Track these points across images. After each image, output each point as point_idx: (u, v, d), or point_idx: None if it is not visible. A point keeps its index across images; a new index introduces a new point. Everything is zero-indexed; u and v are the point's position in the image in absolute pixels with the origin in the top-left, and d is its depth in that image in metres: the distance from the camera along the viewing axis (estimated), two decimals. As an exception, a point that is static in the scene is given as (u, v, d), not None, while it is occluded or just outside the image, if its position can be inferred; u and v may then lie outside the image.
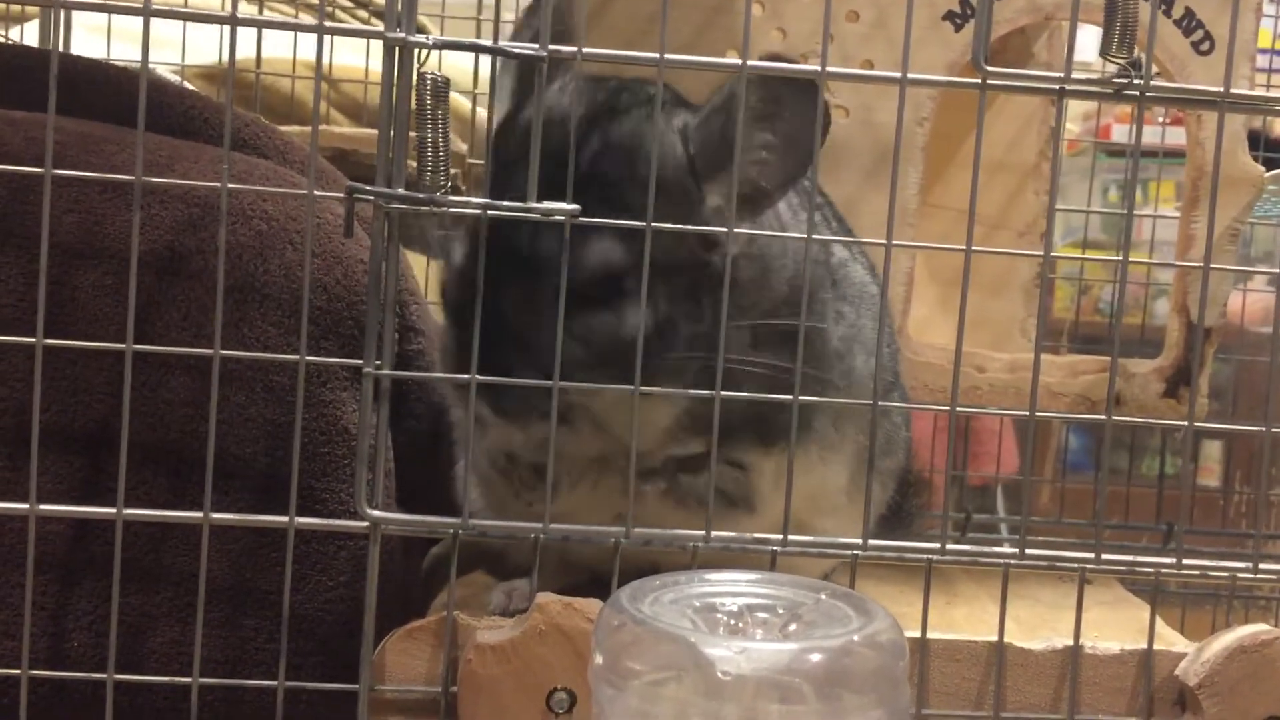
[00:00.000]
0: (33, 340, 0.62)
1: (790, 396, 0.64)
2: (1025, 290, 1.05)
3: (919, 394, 0.90)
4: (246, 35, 1.12)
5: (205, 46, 1.21)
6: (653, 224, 0.63)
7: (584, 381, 0.63)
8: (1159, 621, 0.71)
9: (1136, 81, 0.64)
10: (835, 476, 0.73)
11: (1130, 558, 0.70)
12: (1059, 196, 1.55)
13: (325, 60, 1.22)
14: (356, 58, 1.23)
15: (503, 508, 0.73)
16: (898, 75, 0.63)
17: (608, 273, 0.64)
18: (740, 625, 0.53)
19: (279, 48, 1.20)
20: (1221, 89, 0.66)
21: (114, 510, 0.63)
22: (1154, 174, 1.45)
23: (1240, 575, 0.68)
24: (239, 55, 1.20)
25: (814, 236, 0.65)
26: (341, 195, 0.62)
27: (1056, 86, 0.64)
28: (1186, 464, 0.67)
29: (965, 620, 0.76)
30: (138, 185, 0.62)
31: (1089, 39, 0.66)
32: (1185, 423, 0.69)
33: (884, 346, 0.68)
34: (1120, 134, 1.81)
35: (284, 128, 0.95)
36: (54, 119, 0.62)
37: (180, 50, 1.21)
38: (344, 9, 1.40)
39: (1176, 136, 1.07)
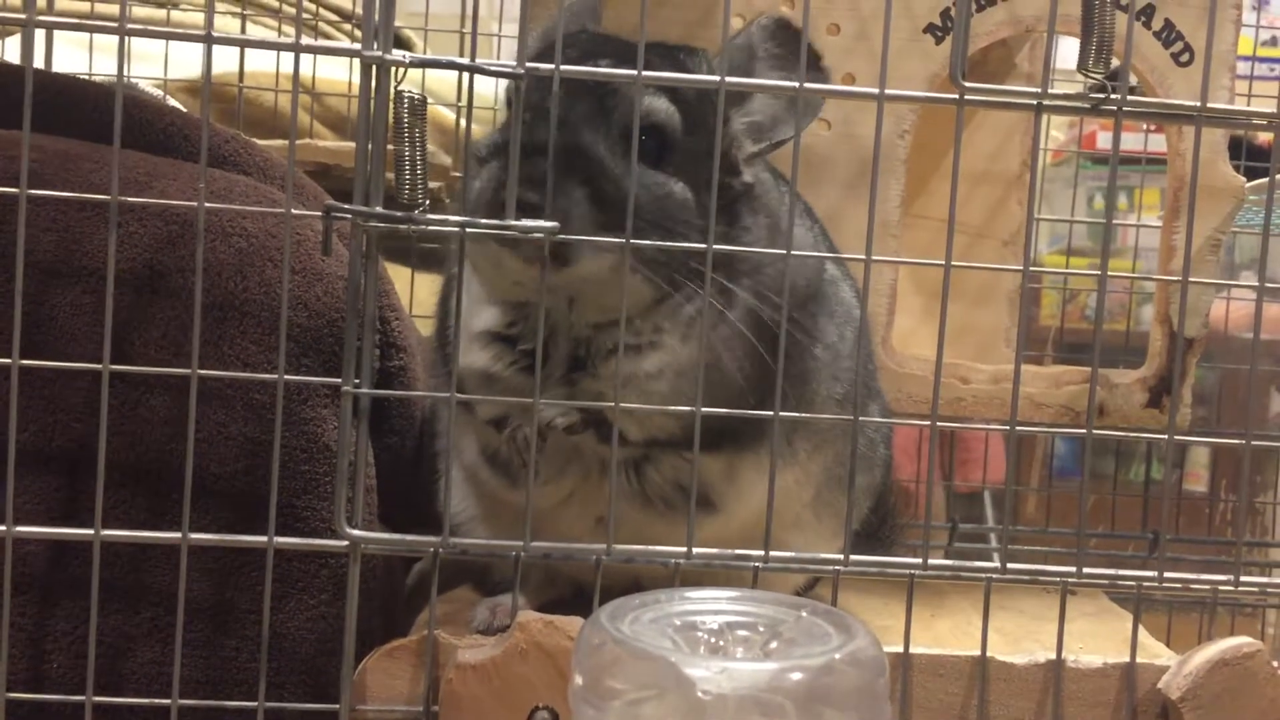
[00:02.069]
0: (8, 360, 0.62)
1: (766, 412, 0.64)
2: (1010, 300, 1.05)
3: (903, 405, 0.89)
4: (229, 49, 1.12)
5: (188, 60, 1.21)
6: (632, 242, 0.63)
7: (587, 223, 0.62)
8: (1143, 633, 0.71)
9: (1114, 96, 0.64)
10: (798, 490, 0.73)
11: (1112, 571, 0.70)
12: (1045, 204, 1.56)
13: (308, 74, 1.23)
14: (340, 71, 1.22)
15: (493, 506, 0.73)
16: (875, 91, 0.63)
17: (652, 123, 0.64)
18: (721, 644, 0.53)
19: (261, 61, 1.19)
20: (1199, 103, 0.66)
21: (91, 531, 0.63)
22: (1138, 181, 1.45)
23: (1222, 589, 0.68)
24: (222, 69, 1.21)
25: (794, 252, 0.65)
26: (319, 214, 0.62)
27: (1034, 102, 0.64)
28: (1168, 476, 0.67)
29: (950, 633, 0.76)
30: (113, 204, 0.62)
31: (1073, 49, 0.66)
32: (1166, 435, 0.69)
33: (863, 364, 0.68)
34: (1105, 141, 1.82)
35: (267, 141, 0.95)
36: (33, 137, 0.62)
37: (163, 64, 1.20)
38: (329, 23, 1.39)
39: (1160, 142, 1.07)
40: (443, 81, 1.14)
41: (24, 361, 0.62)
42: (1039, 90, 0.65)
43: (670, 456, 0.69)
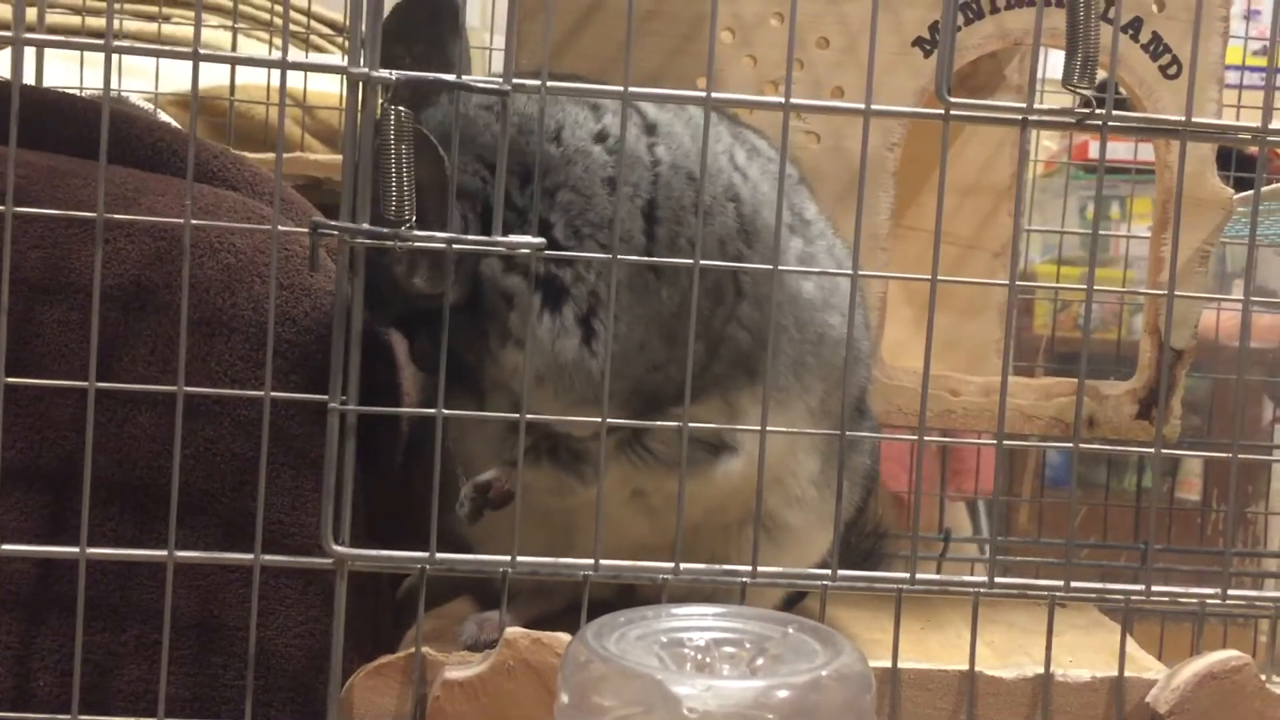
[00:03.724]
0: (-5, 379, 0.62)
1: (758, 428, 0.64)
2: (1000, 311, 1.05)
3: (894, 418, 0.90)
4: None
5: (179, 73, 1.21)
6: (617, 257, 0.63)
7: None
8: (1132, 645, 0.71)
9: (1099, 111, 0.64)
10: (805, 459, 0.73)
11: (1100, 585, 0.70)
12: (1036, 213, 1.56)
13: (300, 88, 1.23)
14: (331, 85, 1.22)
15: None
16: (861, 106, 0.64)
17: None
18: (707, 661, 0.53)
19: (252, 75, 1.19)
20: (1184, 117, 0.66)
21: (76, 549, 0.63)
22: (1129, 190, 1.46)
23: (1210, 601, 0.68)
24: (213, 82, 1.21)
25: (783, 268, 0.65)
26: (305, 230, 0.62)
27: (1020, 117, 0.64)
28: (1157, 489, 0.67)
29: (940, 647, 0.76)
30: (99, 221, 0.62)
31: (1063, 60, 0.66)
32: (1154, 447, 0.69)
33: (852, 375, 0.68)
34: (1097, 151, 1.82)
35: (258, 155, 0.95)
36: (20, 153, 0.62)
37: (153, 78, 1.20)
38: (322, 36, 1.39)
39: (1151, 151, 1.07)
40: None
41: (10, 379, 0.62)
42: (1025, 105, 0.65)
43: (659, 419, 0.67)
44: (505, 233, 0.62)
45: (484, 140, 0.65)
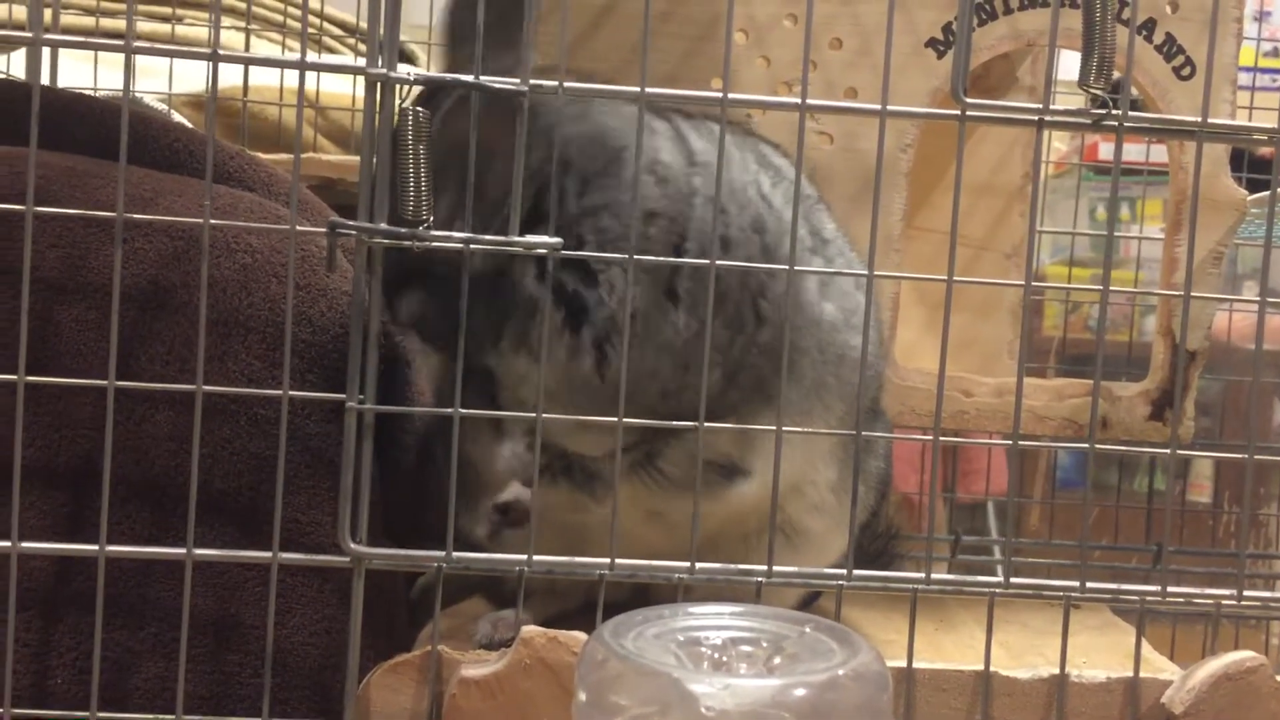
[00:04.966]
0: (14, 377, 0.62)
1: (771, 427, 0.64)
2: (1013, 312, 1.05)
3: (906, 419, 0.90)
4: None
5: (192, 74, 1.21)
6: (633, 258, 0.63)
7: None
8: (1147, 647, 0.71)
9: (1115, 112, 0.64)
10: (824, 468, 0.73)
11: (1115, 586, 0.70)
12: (1047, 215, 1.56)
13: (312, 88, 1.23)
14: (343, 85, 1.23)
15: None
16: (877, 107, 0.64)
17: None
18: (724, 659, 0.53)
19: (266, 75, 1.20)
20: (1200, 117, 0.66)
21: (96, 547, 0.63)
22: (1140, 191, 1.45)
23: (1225, 603, 0.68)
24: (227, 83, 1.21)
25: (797, 268, 0.65)
26: (324, 230, 0.62)
27: (1035, 118, 0.65)
28: (1170, 490, 0.67)
29: (954, 648, 0.76)
30: (119, 221, 0.62)
31: (1076, 61, 0.66)
32: (1168, 449, 0.69)
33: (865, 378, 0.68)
34: (1108, 152, 1.82)
35: (271, 156, 0.95)
36: (39, 153, 0.62)
37: (167, 79, 1.21)
38: (334, 37, 1.40)
39: (1163, 153, 1.07)
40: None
41: (30, 378, 0.62)
42: (1040, 106, 0.65)
43: (671, 442, 0.68)
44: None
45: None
